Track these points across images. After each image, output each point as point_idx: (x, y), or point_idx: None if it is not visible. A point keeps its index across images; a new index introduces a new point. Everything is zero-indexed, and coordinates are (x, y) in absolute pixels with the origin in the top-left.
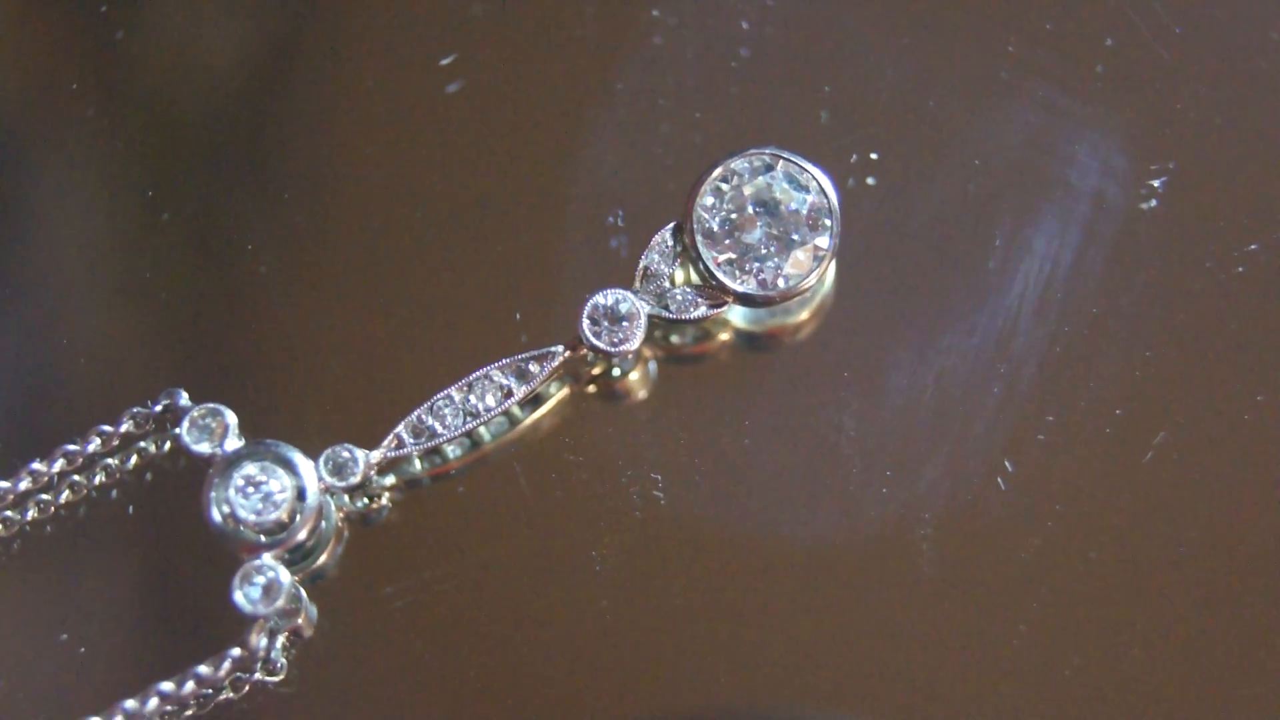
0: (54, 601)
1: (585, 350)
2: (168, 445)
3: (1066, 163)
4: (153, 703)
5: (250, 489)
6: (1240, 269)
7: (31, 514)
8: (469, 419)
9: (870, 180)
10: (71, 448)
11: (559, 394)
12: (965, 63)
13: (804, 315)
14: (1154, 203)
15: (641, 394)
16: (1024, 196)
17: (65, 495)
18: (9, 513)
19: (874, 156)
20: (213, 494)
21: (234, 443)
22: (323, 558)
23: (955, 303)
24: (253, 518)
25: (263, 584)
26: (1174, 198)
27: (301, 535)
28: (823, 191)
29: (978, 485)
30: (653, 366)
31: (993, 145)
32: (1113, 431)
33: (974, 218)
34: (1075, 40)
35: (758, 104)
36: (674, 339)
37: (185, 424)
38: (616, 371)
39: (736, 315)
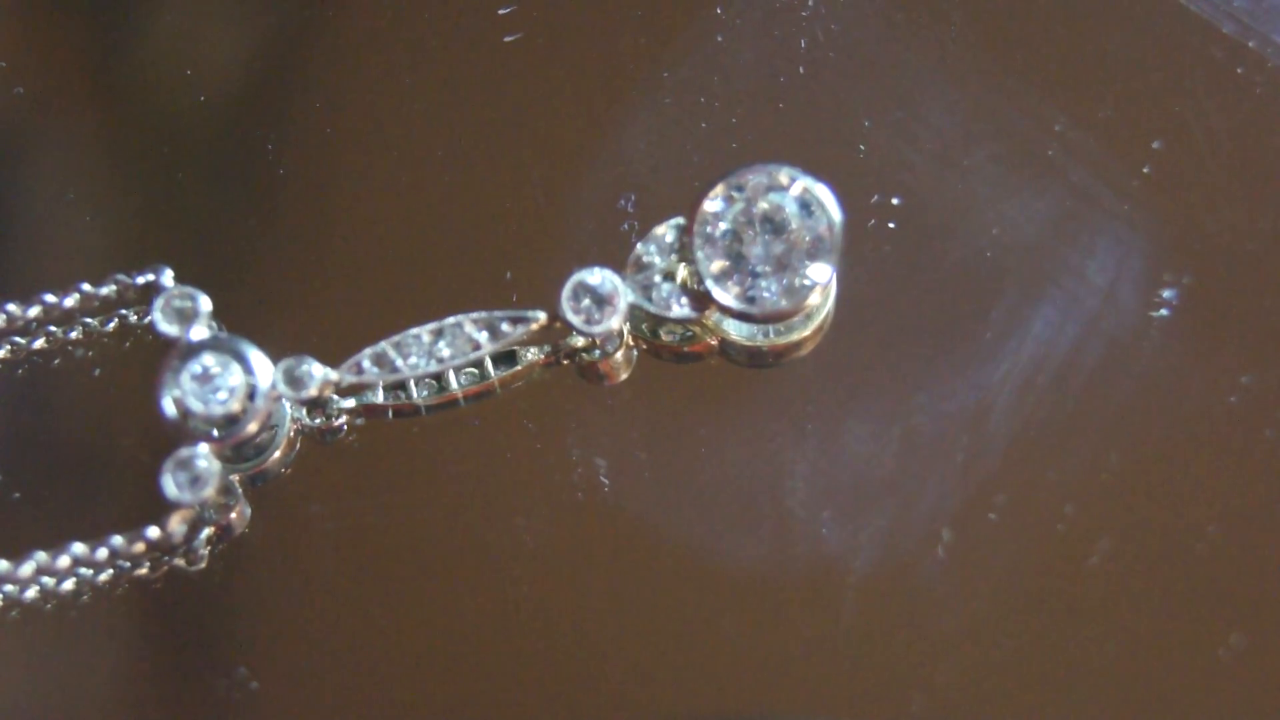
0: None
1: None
2: (148, 319)
3: (1086, 253)
4: (64, 559)
5: (204, 380)
6: (1231, 399)
7: (2, 353)
8: (432, 362)
9: (891, 225)
10: (50, 298)
11: (535, 359)
12: (1012, 131)
13: (793, 339)
14: (1164, 312)
15: (615, 380)
16: (1036, 276)
17: (39, 343)
18: None
19: (895, 201)
20: (167, 378)
21: (201, 331)
22: (269, 462)
23: (941, 364)
24: (200, 408)
25: (191, 473)
26: (1183, 313)
27: (246, 434)
28: (831, 223)
29: (915, 549)
30: (634, 355)
31: (1017, 218)
32: (1062, 528)
33: (981, 285)
34: (1127, 134)
35: (800, 123)
36: (663, 335)
37: (160, 302)
38: (597, 352)
39: (730, 326)
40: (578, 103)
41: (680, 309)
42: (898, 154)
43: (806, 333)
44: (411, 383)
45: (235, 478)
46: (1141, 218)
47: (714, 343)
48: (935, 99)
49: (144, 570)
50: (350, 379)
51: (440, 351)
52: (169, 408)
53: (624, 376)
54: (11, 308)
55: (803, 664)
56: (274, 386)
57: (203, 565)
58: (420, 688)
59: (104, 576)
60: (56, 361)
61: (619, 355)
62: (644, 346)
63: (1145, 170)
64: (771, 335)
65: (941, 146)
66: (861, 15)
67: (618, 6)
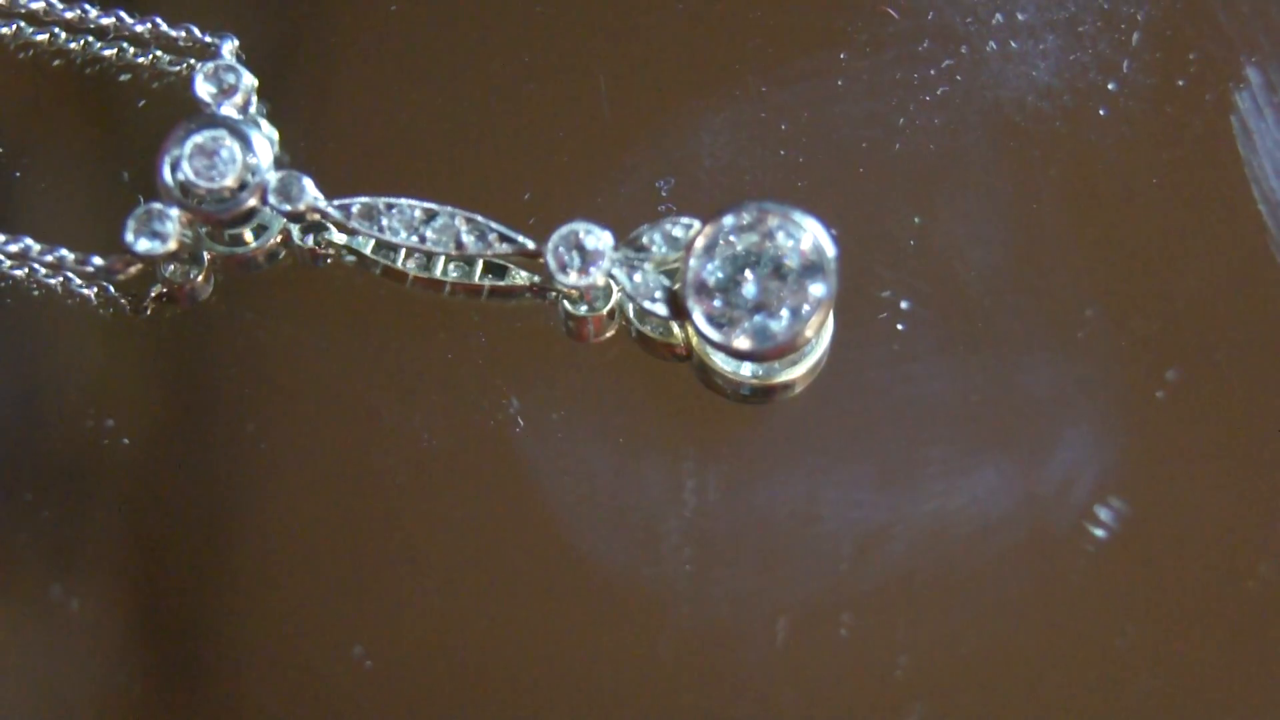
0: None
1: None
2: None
3: (1055, 439)
4: (15, 247)
5: (206, 152)
6: (1118, 641)
7: (76, 45)
8: (412, 237)
9: (900, 326)
10: (127, 17)
11: (524, 283)
12: (1051, 295)
13: (776, 381)
14: (1098, 531)
15: (582, 341)
16: (999, 438)
17: (110, 51)
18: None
19: (904, 305)
20: (175, 135)
21: (231, 110)
22: (246, 255)
23: (870, 473)
24: (193, 177)
25: (152, 228)
26: (1113, 540)
27: (222, 217)
28: (823, 296)
29: (753, 626)
30: (612, 330)
31: (1014, 376)
32: (898, 675)
33: (947, 420)
34: (1153, 352)
35: (867, 193)
36: (646, 327)
37: (207, 66)
38: (584, 307)
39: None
40: (675, 76)
41: (654, 304)
42: (939, 263)
43: (791, 376)
44: (403, 251)
45: (208, 255)
46: (1126, 435)
47: (682, 351)
48: (999, 229)
49: (92, 294)
50: (335, 215)
51: (425, 232)
52: (165, 164)
53: (597, 340)
54: (88, 6)
55: (601, 679)
56: (265, 185)
57: (145, 315)
58: (263, 510)
59: (54, 281)
60: (123, 78)
61: (604, 319)
62: (625, 326)
63: (1158, 394)
64: (751, 372)
65: (981, 276)
66: (974, 125)
67: (755, 6)
